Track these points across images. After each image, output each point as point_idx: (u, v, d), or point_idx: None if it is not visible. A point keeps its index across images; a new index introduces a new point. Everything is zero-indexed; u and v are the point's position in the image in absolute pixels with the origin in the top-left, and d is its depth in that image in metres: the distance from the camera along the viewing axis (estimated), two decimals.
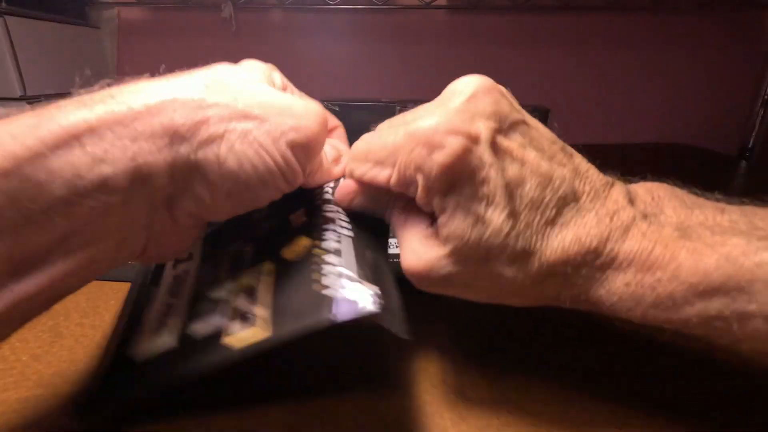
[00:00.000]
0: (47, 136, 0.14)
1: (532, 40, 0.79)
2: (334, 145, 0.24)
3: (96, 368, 0.22)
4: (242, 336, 0.18)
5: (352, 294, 0.16)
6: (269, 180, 0.17)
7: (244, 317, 0.18)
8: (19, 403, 0.20)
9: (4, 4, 0.55)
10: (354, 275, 0.18)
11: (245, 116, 0.17)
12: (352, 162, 0.20)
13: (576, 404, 0.21)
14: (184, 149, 0.16)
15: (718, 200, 0.19)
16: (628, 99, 0.83)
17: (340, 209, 0.22)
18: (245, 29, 0.77)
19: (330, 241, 0.19)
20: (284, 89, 0.21)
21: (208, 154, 0.16)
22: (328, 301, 0.16)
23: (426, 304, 0.29)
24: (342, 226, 0.21)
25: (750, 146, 0.77)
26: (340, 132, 0.26)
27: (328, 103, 0.54)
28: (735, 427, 0.20)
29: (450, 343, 0.25)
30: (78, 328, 0.26)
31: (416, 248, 0.19)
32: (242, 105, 0.17)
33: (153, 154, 0.15)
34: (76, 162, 0.14)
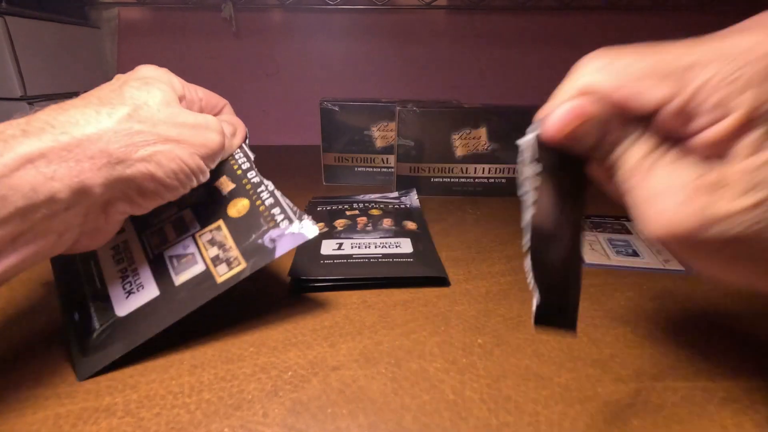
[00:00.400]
0: (8, 161, 0.18)
1: (532, 40, 0.79)
2: (229, 121, 0.29)
3: (75, 330, 0.25)
4: (227, 274, 0.25)
5: (298, 228, 0.25)
6: (187, 182, 0.24)
7: (228, 262, 0.25)
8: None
9: (4, 4, 0.55)
10: (294, 215, 0.26)
11: (167, 140, 0.22)
12: (600, 73, 0.15)
13: (576, 404, 0.21)
14: (119, 167, 0.20)
15: None
16: None
17: (256, 172, 0.28)
18: (245, 29, 0.77)
19: (267, 198, 0.27)
20: (183, 90, 0.25)
21: (140, 169, 0.21)
22: (284, 237, 0.25)
23: (424, 304, 0.29)
24: (268, 185, 0.28)
25: None
26: (228, 108, 0.31)
27: (328, 102, 0.54)
28: None
29: (450, 343, 0.25)
30: None
31: (686, 200, 0.14)
32: (162, 131, 0.22)
33: (93, 171, 0.20)
34: (32, 180, 0.18)
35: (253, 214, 0.27)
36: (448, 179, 0.51)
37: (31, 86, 0.58)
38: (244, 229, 0.26)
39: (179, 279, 0.25)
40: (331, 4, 0.73)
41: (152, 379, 0.22)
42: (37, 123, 0.19)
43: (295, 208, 0.26)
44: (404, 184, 0.52)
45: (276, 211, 0.26)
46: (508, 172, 0.50)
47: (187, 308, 0.24)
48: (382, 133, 0.55)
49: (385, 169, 0.56)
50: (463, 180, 0.51)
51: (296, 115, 0.83)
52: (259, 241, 0.25)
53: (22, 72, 0.57)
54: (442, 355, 0.24)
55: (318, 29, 0.78)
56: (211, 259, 0.26)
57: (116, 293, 0.25)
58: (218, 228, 0.27)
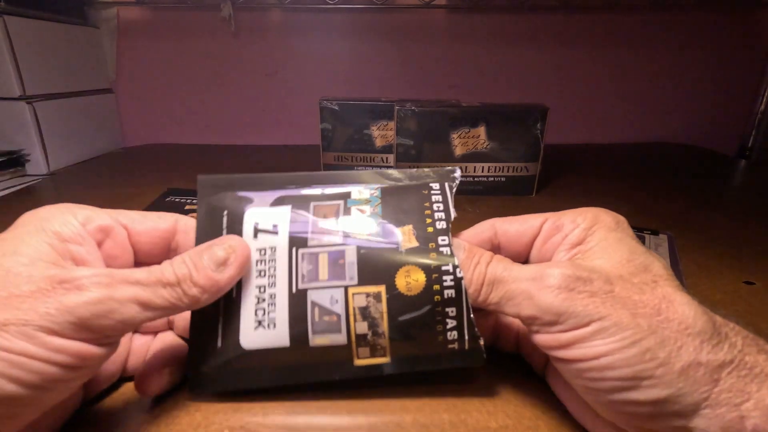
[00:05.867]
0: None
1: (531, 39, 0.79)
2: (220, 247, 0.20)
3: (201, 345, 0.21)
4: (366, 360, 0.21)
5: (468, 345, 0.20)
6: None
7: (374, 349, 0.20)
8: None
9: (3, 4, 0.55)
10: (469, 337, 0.20)
11: None
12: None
13: None
14: None
15: None
16: (628, 99, 0.83)
17: (449, 238, 0.21)
18: (244, 29, 0.77)
19: (448, 289, 0.20)
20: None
21: None
22: (451, 352, 0.20)
23: None
24: (458, 270, 0.20)
25: (749, 146, 0.77)
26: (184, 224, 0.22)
27: (327, 101, 0.54)
28: None
29: None
30: None
31: None
32: None
33: None
34: None
35: (424, 301, 0.20)
36: None
37: (30, 86, 0.58)
38: (406, 313, 0.20)
39: (315, 340, 0.20)
40: (331, 4, 0.73)
41: None
42: None
43: (474, 329, 0.20)
44: None
45: (450, 311, 0.20)
46: (508, 171, 0.50)
47: (314, 377, 0.21)
48: (381, 133, 0.55)
49: (384, 169, 0.56)
50: (462, 179, 0.51)
51: (295, 115, 0.83)
52: (434, 345, 0.20)
53: (21, 72, 0.57)
54: None
55: (317, 29, 0.78)
56: (356, 336, 0.20)
57: (247, 318, 0.21)
58: (378, 296, 0.20)
